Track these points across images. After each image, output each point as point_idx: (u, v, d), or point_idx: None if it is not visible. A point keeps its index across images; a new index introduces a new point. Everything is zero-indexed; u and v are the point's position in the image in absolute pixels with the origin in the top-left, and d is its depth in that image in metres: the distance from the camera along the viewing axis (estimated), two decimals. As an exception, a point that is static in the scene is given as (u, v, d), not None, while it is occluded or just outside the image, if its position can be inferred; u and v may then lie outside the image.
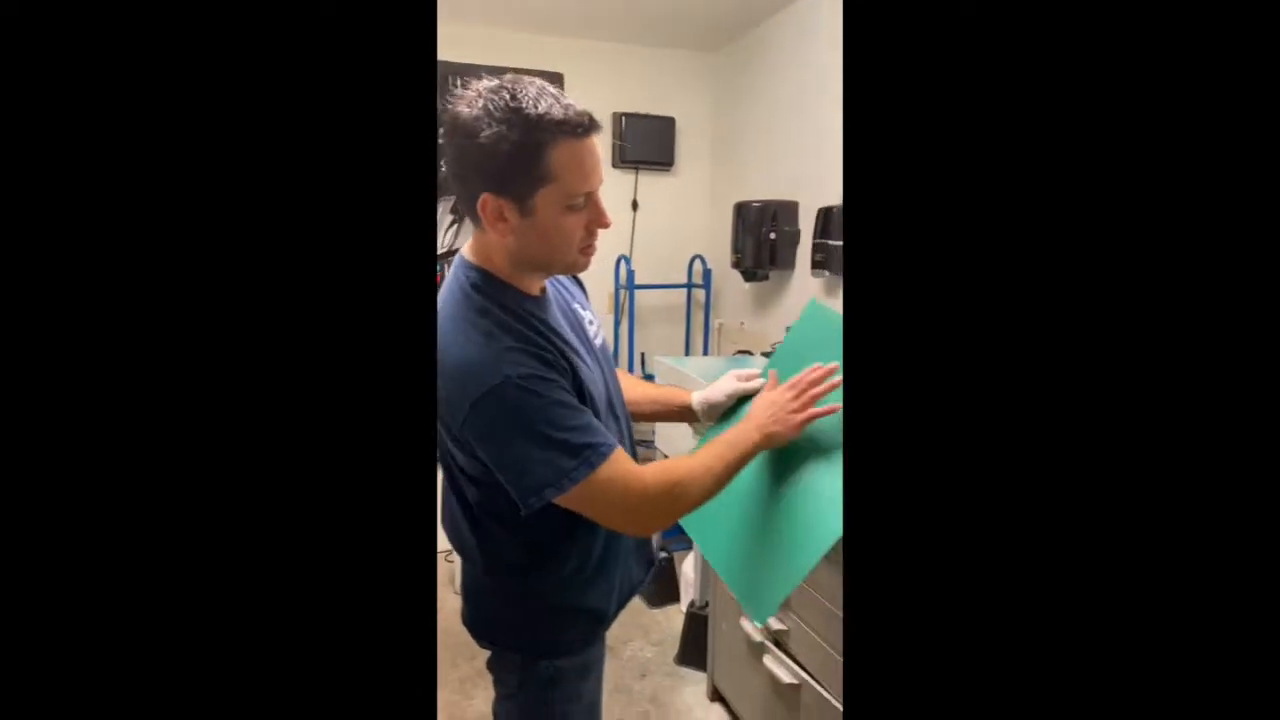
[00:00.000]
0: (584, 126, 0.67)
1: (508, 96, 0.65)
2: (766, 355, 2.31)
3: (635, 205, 2.72)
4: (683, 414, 0.97)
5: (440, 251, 2.33)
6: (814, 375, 0.81)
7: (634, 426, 0.92)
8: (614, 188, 2.69)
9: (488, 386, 0.67)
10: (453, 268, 0.78)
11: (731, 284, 2.62)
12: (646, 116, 2.62)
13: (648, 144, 2.64)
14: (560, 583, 0.80)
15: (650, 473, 0.74)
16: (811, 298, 1.20)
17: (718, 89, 2.75)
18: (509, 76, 0.68)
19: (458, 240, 2.46)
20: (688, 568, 2.04)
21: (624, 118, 2.59)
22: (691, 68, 2.73)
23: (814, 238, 2.03)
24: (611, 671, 1.53)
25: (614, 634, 1.55)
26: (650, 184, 2.73)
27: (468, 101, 0.66)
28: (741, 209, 2.27)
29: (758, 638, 1.40)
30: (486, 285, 0.73)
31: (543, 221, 0.69)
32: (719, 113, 2.75)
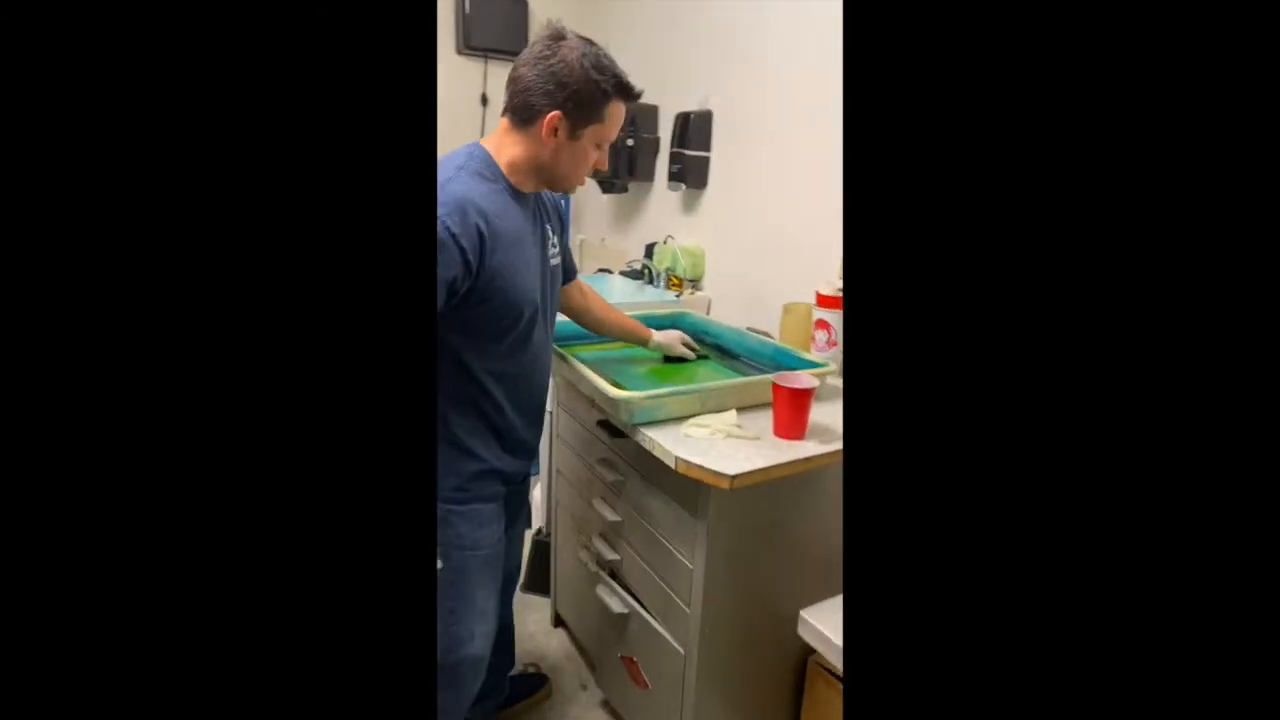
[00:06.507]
0: (637, 94, 0.94)
1: (602, 54, 0.91)
2: (625, 274, 2.20)
3: (485, 100, 2.43)
4: (639, 343, 1.34)
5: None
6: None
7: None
8: (459, 76, 2.37)
9: None
10: (465, 148, 0.96)
11: (591, 196, 2.45)
12: (496, -5, 2.30)
13: (498, 29, 2.33)
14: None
15: None
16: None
17: (578, -30, 2.46)
18: (598, 46, 0.91)
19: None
20: (537, 494, 1.97)
21: (469, -6, 2.25)
22: (548, -59, 2.40)
23: (671, 146, 1.90)
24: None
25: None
26: (501, 76, 2.44)
27: (570, 48, 0.89)
28: (598, 111, 2.08)
29: (593, 567, 1.36)
30: (488, 170, 0.94)
31: (580, 147, 0.94)
32: (578, 4, 2.47)
